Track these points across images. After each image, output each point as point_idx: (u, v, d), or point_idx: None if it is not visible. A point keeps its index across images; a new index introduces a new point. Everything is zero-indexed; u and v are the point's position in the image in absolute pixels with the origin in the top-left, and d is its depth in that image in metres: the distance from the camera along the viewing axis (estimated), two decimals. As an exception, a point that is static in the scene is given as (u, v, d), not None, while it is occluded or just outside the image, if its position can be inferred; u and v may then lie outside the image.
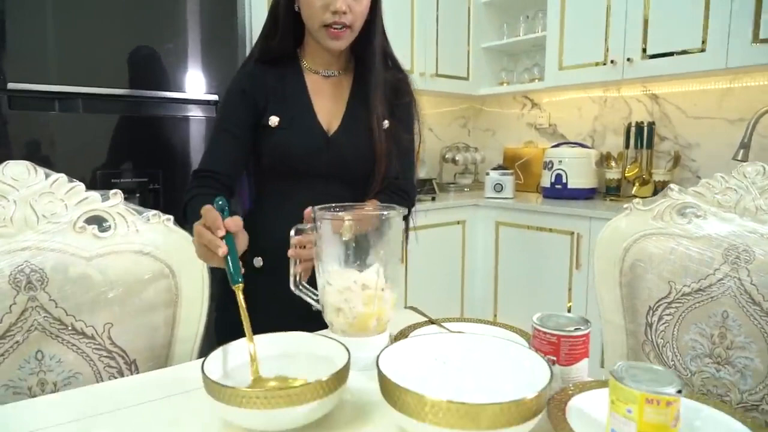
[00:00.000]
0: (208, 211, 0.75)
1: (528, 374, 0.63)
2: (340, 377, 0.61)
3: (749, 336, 0.95)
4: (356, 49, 1.15)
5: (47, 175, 0.87)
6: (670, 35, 2.20)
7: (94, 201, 0.91)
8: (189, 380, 0.75)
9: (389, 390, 0.57)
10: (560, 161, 2.63)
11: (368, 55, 1.11)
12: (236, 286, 0.72)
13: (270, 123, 1.09)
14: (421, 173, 2.93)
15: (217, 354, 0.69)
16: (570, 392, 0.65)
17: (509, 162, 3.10)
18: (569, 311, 2.38)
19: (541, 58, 2.82)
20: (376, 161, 1.11)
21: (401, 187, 1.17)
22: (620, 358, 1.12)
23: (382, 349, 0.65)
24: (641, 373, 0.58)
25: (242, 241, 0.79)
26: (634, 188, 2.53)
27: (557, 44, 2.60)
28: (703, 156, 2.45)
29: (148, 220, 0.95)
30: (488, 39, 3.05)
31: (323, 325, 0.84)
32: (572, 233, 2.33)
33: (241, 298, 0.71)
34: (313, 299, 0.85)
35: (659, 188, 2.44)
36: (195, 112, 1.92)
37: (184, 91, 1.88)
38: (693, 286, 1.02)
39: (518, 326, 0.91)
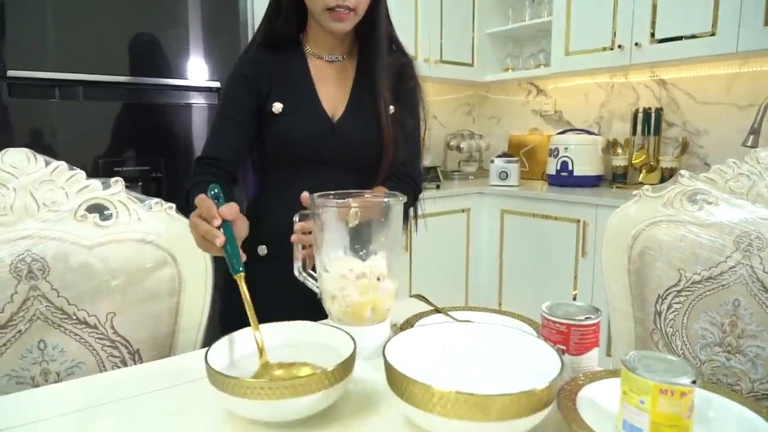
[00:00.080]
0: (203, 201, 0.73)
1: (537, 364, 0.62)
2: (345, 367, 0.60)
3: (761, 324, 0.94)
4: (360, 33, 1.13)
5: (47, 163, 0.86)
6: (679, 19, 2.16)
7: (95, 189, 0.90)
8: (193, 370, 0.74)
9: (396, 380, 0.55)
10: (566, 148, 2.60)
11: (373, 39, 1.09)
12: (237, 275, 0.71)
13: (273, 109, 1.07)
14: (426, 161, 2.90)
15: (221, 343, 0.68)
16: (580, 382, 0.64)
17: (514, 149, 3.07)
18: (575, 299, 2.37)
19: (546, 44, 2.78)
20: (384, 147, 1.09)
21: (408, 174, 1.15)
22: (628, 347, 1.11)
23: (389, 339, 0.64)
24: (654, 362, 0.56)
25: (242, 228, 0.77)
26: (641, 175, 2.50)
27: (563, 29, 2.56)
28: (712, 142, 2.42)
29: (150, 208, 0.93)
30: (493, 24, 3.01)
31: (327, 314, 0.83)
32: (578, 221, 2.31)
33: (243, 287, 0.70)
34: (315, 286, 0.84)
35: (666, 175, 2.41)
36: (197, 100, 1.90)
37: (186, 78, 1.86)
38: (704, 274, 1.00)
39: (524, 314, 0.90)
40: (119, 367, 0.89)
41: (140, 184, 1.76)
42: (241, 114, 1.07)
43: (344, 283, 0.77)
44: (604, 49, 2.42)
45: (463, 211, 2.67)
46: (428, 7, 2.71)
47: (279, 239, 1.03)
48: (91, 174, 0.89)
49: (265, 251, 1.10)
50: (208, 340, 0.98)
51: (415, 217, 1.22)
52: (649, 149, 2.51)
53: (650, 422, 0.53)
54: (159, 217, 0.93)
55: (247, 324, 0.69)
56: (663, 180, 2.40)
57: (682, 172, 1.07)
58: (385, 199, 0.78)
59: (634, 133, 2.57)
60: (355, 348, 0.63)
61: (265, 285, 1.07)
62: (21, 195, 0.84)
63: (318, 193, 0.80)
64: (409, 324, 0.86)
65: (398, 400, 0.56)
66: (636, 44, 2.29)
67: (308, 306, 0.85)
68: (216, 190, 0.77)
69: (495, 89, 3.35)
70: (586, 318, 0.67)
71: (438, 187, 2.68)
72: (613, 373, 0.66)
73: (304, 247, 0.87)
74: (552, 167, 2.66)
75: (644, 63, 2.33)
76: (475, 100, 3.43)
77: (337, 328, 0.71)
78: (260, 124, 1.09)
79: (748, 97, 2.29)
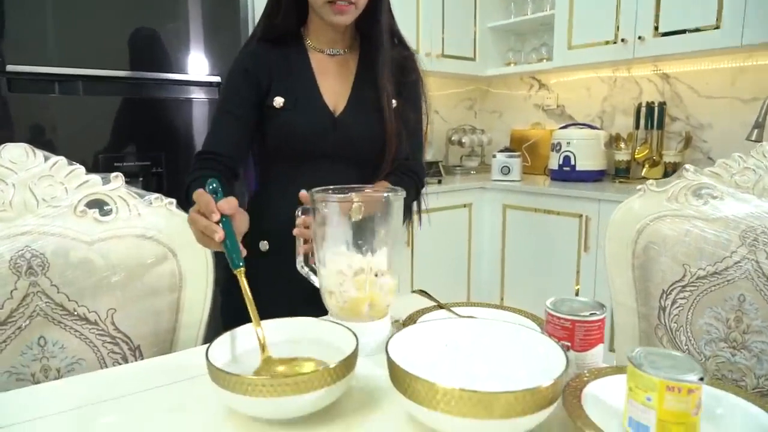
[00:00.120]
0: (200, 196, 0.72)
1: (542, 360, 0.61)
2: (348, 364, 0.59)
3: (767, 320, 0.93)
4: (362, 26, 1.12)
5: (46, 158, 0.85)
6: (683, 12, 2.14)
7: (95, 184, 0.89)
8: (194, 366, 0.74)
9: (399, 377, 0.55)
10: (568, 143, 2.58)
11: (375, 32, 1.08)
12: (237, 270, 0.70)
13: (275, 104, 1.06)
14: (428, 156, 2.89)
15: (223, 339, 0.68)
16: (585, 379, 0.63)
17: (516, 144, 3.06)
18: (577, 294, 2.36)
19: (549, 38, 2.77)
20: (387, 141, 1.08)
21: (411, 168, 1.15)
22: (631, 342, 1.10)
23: (391, 335, 0.63)
24: (660, 359, 0.55)
25: (241, 222, 0.76)
26: (644, 170, 2.49)
27: (566, 23, 2.54)
28: (715, 137, 2.40)
29: (150, 203, 0.93)
30: (495, 18, 2.99)
31: (328, 310, 0.82)
32: (580, 216, 2.30)
33: (243, 282, 0.69)
34: (317, 281, 0.83)
35: (670, 170, 2.40)
36: (197, 94, 1.89)
37: (186, 73, 1.85)
38: (708, 269, 0.99)
39: (526, 310, 0.89)
40: (120, 364, 0.88)
41: (141, 179, 1.75)
42: (241, 108, 1.06)
43: (341, 279, 0.76)
44: (607, 42, 2.40)
45: (464, 206, 2.66)
46: (430, 0, 2.69)
47: (280, 234, 1.02)
48: (92, 169, 0.88)
49: (267, 246, 1.09)
50: (210, 336, 0.98)
51: (419, 211, 1.21)
52: (652, 144, 2.50)
53: (657, 419, 0.53)
54: (159, 213, 0.92)
55: (249, 319, 0.69)
56: (666, 175, 2.39)
57: (687, 166, 1.06)
58: (385, 194, 0.77)
59: (637, 127, 2.55)
60: (357, 345, 0.62)
61: (266, 280, 1.07)
62: (20, 190, 0.83)
63: (317, 188, 0.79)
64: (411, 320, 0.85)
65: (401, 397, 0.55)
66: (639, 38, 2.27)
67: (310, 301, 0.85)
68: (214, 185, 0.76)
69: (497, 83, 3.33)
70: (591, 314, 0.67)
71: (440, 182, 2.67)
72: (619, 370, 0.66)
73: (306, 241, 0.86)
74: (554, 162, 2.64)
75: (648, 57, 2.31)
76: (477, 94, 3.41)
77: (338, 324, 0.70)
78: (261, 118, 1.08)
79: (752, 91, 2.27)
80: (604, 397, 0.61)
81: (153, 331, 0.91)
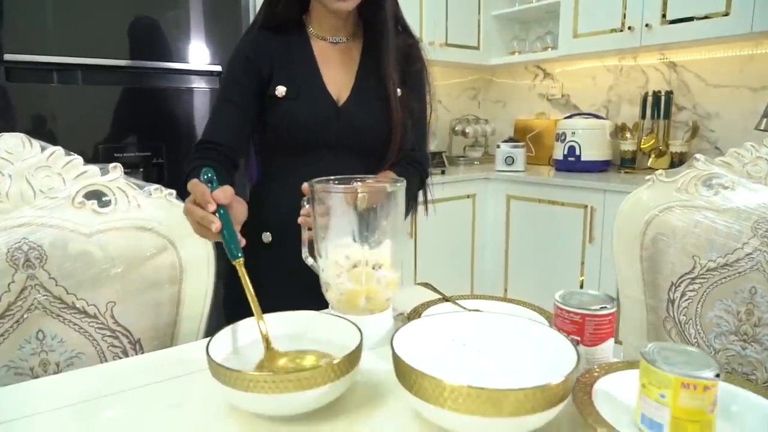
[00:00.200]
0: (195, 186, 0.70)
1: (551, 356, 0.60)
2: (352, 359, 0.58)
3: (779, 313, 0.91)
4: (365, 13, 1.09)
5: (43, 148, 0.83)
6: (691, -1, 2.10)
7: (94, 175, 0.87)
8: (195, 361, 0.72)
9: (405, 373, 0.53)
10: (573, 133, 2.56)
11: (379, 19, 1.05)
12: (236, 261, 0.68)
13: (277, 93, 1.04)
14: (431, 146, 2.86)
15: (224, 333, 0.66)
16: (596, 374, 0.62)
17: (520, 134, 3.03)
18: (581, 286, 2.35)
19: (554, 26, 2.73)
20: (392, 131, 1.06)
21: (415, 159, 1.13)
22: (639, 335, 1.08)
23: (397, 329, 0.62)
24: (674, 355, 0.54)
25: (239, 212, 0.74)
26: (650, 160, 2.46)
27: (572, 10, 2.50)
28: (723, 126, 2.37)
29: (150, 194, 0.91)
30: (499, 6, 2.95)
31: (333, 302, 0.81)
32: (585, 206, 2.28)
33: (243, 273, 0.68)
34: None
35: (676, 160, 2.37)
36: (198, 84, 1.87)
37: (187, 62, 1.83)
38: (719, 260, 0.97)
39: (530, 301, 0.87)
40: (120, 358, 0.87)
41: (141, 170, 1.74)
42: (242, 97, 1.03)
43: (338, 270, 0.75)
44: (613, 30, 2.37)
45: (468, 196, 2.64)
46: (433, -12, 2.66)
47: (283, 225, 1.01)
48: (92, 160, 0.87)
49: (270, 238, 1.07)
50: (212, 328, 0.97)
51: (425, 201, 1.19)
52: (658, 133, 2.47)
53: (671, 417, 0.51)
54: (159, 204, 0.91)
55: (252, 311, 0.67)
56: (673, 165, 2.36)
57: (697, 156, 1.03)
58: (387, 186, 0.75)
59: (643, 117, 2.52)
60: (361, 339, 0.61)
61: (269, 272, 1.05)
62: (17, 181, 0.81)
63: (317, 179, 0.77)
64: (416, 313, 0.83)
65: (407, 393, 0.53)
66: (646, 25, 2.23)
67: (313, 293, 0.83)
68: (209, 174, 0.74)
69: (501, 73, 3.29)
70: (602, 307, 0.65)
71: (443, 172, 2.65)
72: (630, 365, 0.64)
73: (310, 230, 0.84)
74: (559, 152, 2.62)
75: (655, 45, 2.28)
76: (481, 84, 3.38)
77: (341, 317, 0.69)
78: (262, 107, 1.06)
79: (761, 80, 2.24)
80: (615, 393, 0.60)
81: (153, 324, 0.90)
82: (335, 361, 0.55)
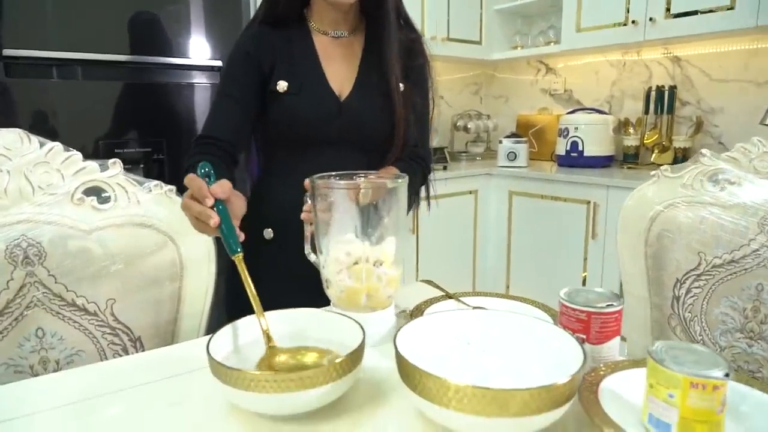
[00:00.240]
0: (192, 180, 0.69)
1: (556, 354, 0.59)
2: (354, 358, 0.57)
3: (786, 310, 0.90)
4: (367, 7, 1.08)
5: (41, 144, 0.83)
6: (696, -8, 2.08)
7: (93, 171, 0.86)
8: (195, 359, 0.71)
9: (409, 373, 0.52)
10: (576, 128, 2.54)
11: (381, 12, 1.04)
12: (235, 256, 0.67)
13: (278, 88, 1.02)
14: (433, 142, 2.85)
15: (225, 331, 0.66)
16: (602, 373, 0.61)
17: (523, 129, 3.01)
18: (584, 282, 2.34)
19: (557, 20, 2.71)
20: (396, 126, 1.05)
21: (418, 154, 1.11)
22: (644, 333, 1.07)
23: (399, 327, 0.61)
24: (682, 354, 0.53)
25: (238, 206, 0.73)
26: (653, 155, 2.45)
27: (575, 4, 2.48)
28: (727, 121, 2.35)
29: (150, 190, 0.90)
30: (502, 0, 2.93)
31: (335, 299, 0.80)
32: (588, 202, 2.27)
33: (242, 268, 0.67)
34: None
35: (680, 155, 2.35)
36: (199, 79, 1.86)
37: (188, 57, 1.82)
38: (725, 257, 0.96)
39: (532, 298, 0.86)
40: (120, 355, 0.86)
41: (142, 165, 1.73)
42: (242, 92, 1.02)
43: (338, 267, 0.74)
44: (617, 24, 2.35)
45: (470, 192, 2.63)
46: (435, -18, 2.64)
47: (285, 222, 1.00)
48: (92, 156, 0.86)
49: (272, 234, 1.06)
50: (213, 324, 0.96)
51: (427, 197, 1.18)
52: (661, 129, 2.45)
53: (679, 417, 0.50)
54: (159, 200, 0.90)
55: (253, 307, 0.66)
56: (676, 160, 2.34)
57: (704, 151, 1.02)
58: (389, 182, 0.74)
59: (646, 112, 2.50)
60: (364, 337, 0.60)
61: (271, 269, 1.05)
62: (15, 177, 0.80)
63: (317, 175, 0.76)
64: (419, 310, 0.83)
65: (411, 393, 0.53)
66: (650, 19, 2.21)
67: (315, 290, 0.82)
68: (206, 168, 0.73)
69: (503, 68, 3.28)
70: (608, 305, 0.64)
71: (445, 168, 2.63)
72: (636, 363, 0.63)
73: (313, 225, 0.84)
74: (561, 147, 2.60)
75: (658, 39, 2.26)
76: (483, 79, 3.36)
77: (343, 315, 0.68)
78: (263, 103, 1.05)
79: (766, 74, 2.22)
80: (621, 392, 0.59)
81: (154, 321, 0.89)
82: (338, 360, 0.54)
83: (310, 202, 0.81)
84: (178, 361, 0.73)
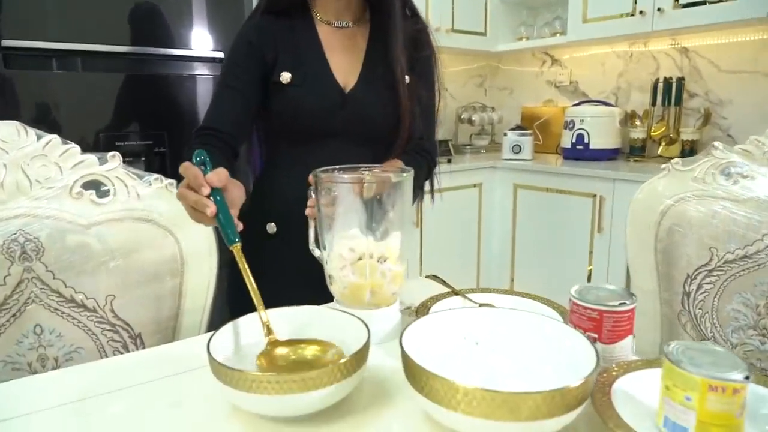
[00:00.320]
0: (187, 169, 0.67)
1: (568, 354, 0.57)
2: (359, 358, 0.55)
3: (800, 307, 0.88)
4: (370, -3, 1.06)
5: (39, 137, 0.81)
6: (705, -18, 2.04)
7: (92, 164, 0.85)
8: (196, 357, 0.70)
9: (415, 374, 0.50)
10: (582, 120, 2.51)
11: (386, 2, 1.01)
12: (233, 246, 0.65)
13: (281, 79, 1.00)
14: (437, 134, 2.82)
15: (226, 329, 0.64)
16: (614, 373, 0.59)
17: (528, 122, 2.98)
18: (589, 276, 2.32)
19: (563, 11, 2.67)
20: (401, 118, 1.03)
21: (424, 147, 1.09)
22: (653, 329, 1.06)
23: (406, 325, 0.59)
24: (700, 355, 0.51)
25: (236, 195, 0.71)
26: (661, 148, 2.41)
27: (581, -5, 2.44)
28: (736, 113, 2.32)
29: (150, 184, 0.88)
30: (507, -9, 2.89)
31: (339, 296, 0.78)
32: (594, 196, 2.24)
33: (241, 258, 0.65)
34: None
35: (687, 148, 2.32)
36: (201, 71, 1.83)
37: (190, 48, 1.79)
38: (738, 252, 0.94)
39: (537, 292, 0.85)
40: (120, 352, 0.85)
41: (143, 159, 1.71)
42: (244, 83, 1.00)
43: (341, 263, 0.73)
44: (624, 15, 2.31)
45: (474, 186, 2.60)
46: (439, -28, 2.60)
47: (288, 215, 0.98)
48: (92, 149, 0.84)
49: (275, 229, 1.05)
50: (215, 318, 0.95)
51: (431, 190, 1.16)
52: (669, 121, 2.42)
53: (697, 421, 0.48)
54: (159, 194, 0.88)
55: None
56: (684, 153, 2.31)
57: (716, 143, 1.00)
58: (393, 176, 0.72)
59: (653, 104, 2.47)
60: (369, 337, 0.58)
61: (275, 264, 1.03)
62: (12, 171, 0.79)
63: (321, 168, 0.74)
64: (425, 307, 0.81)
65: (417, 395, 0.51)
66: (658, 9, 2.17)
67: (319, 285, 0.80)
68: (202, 157, 0.71)
69: (508, 59, 3.24)
70: (621, 303, 0.62)
71: (449, 161, 2.61)
72: (650, 363, 0.61)
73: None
74: (567, 140, 2.57)
75: (666, 30, 2.22)
76: (487, 71, 3.32)
77: (347, 313, 0.66)
78: (266, 94, 1.03)
79: (776, 65, 2.19)
80: (635, 393, 0.57)
81: (154, 318, 0.88)
82: (342, 361, 0.53)
83: (314, 196, 0.79)
84: (178, 359, 0.71)
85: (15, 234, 0.77)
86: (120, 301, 0.84)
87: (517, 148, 2.64)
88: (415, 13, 1.09)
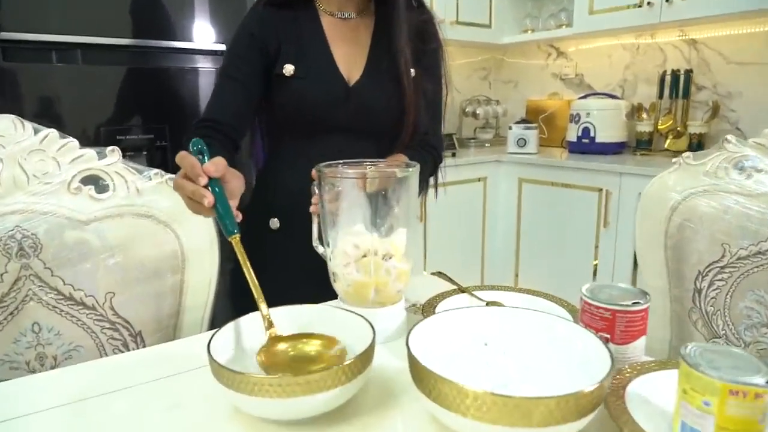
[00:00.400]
0: (184, 158, 0.65)
1: (580, 355, 0.55)
2: (364, 359, 0.53)
3: (815, 305, 0.86)
4: (373, -14, 1.03)
5: (36, 131, 0.79)
6: (714, -28, 2.01)
7: (90, 159, 0.83)
8: (197, 356, 0.68)
9: (423, 377, 0.49)
10: (588, 114, 2.48)
11: (390, -8, 0.99)
12: (232, 237, 0.64)
13: (284, 72, 0.98)
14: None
15: (227, 329, 0.62)
16: (627, 375, 0.57)
17: (532, 115, 2.95)
18: (595, 271, 2.29)
19: (569, 2, 2.63)
20: (405, 112, 1.00)
21: (429, 142, 1.07)
22: (663, 326, 1.04)
23: (412, 327, 0.57)
24: (719, 357, 0.49)
25: (234, 185, 0.69)
26: (667, 142, 2.38)
27: (588, -15, 2.40)
28: (745, 106, 2.28)
29: (150, 179, 0.86)
30: (512, -18, 2.85)
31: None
32: (600, 190, 2.22)
33: (240, 250, 0.63)
34: None
35: (695, 141, 2.29)
36: (203, 63, 1.81)
37: (191, 41, 1.77)
38: (751, 248, 0.92)
39: (542, 287, 0.83)
40: (120, 351, 0.84)
41: (144, 153, 1.69)
42: (245, 75, 0.98)
43: (346, 260, 0.71)
44: (631, 6, 2.27)
45: (479, 180, 2.58)
46: (444, -37, 2.56)
47: (291, 210, 0.97)
48: (93, 143, 0.82)
49: (278, 224, 1.03)
50: (219, 314, 0.93)
51: (435, 185, 1.14)
52: (676, 114, 2.38)
53: (716, 426, 0.46)
54: (159, 189, 0.86)
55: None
56: (691, 146, 2.28)
57: (728, 137, 0.97)
58: (398, 171, 0.70)
59: (660, 96, 2.44)
60: (374, 337, 0.56)
61: (278, 259, 1.02)
62: (9, 166, 0.77)
63: (324, 163, 0.72)
64: (430, 305, 0.79)
65: (425, 399, 0.49)
66: (666, 0, 2.14)
67: (323, 282, 0.79)
68: (199, 146, 0.69)
69: (512, 52, 3.20)
70: (634, 303, 0.60)
71: (453, 155, 2.58)
72: (664, 365, 0.59)
73: None
74: (573, 134, 2.54)
75: (675, 21, 2.18)
76: (492, 63, 3.29)
77: (352, 312, 0.64)
78: (268, 87, 1.00)
79: (786, 57, 2.15)
80: (649, 396, 0.55)
81: (155, 315, 0.86)
82: (346, 362, 0.51)
83: (317, 191, 0.77)
84: (179, 359, 0.70)
85: (12, 230, 0.76)
86: (120, 299, 0.83)
87: (522, 142, 2.61)
88: (421, 4, 1.06)
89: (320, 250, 0.79)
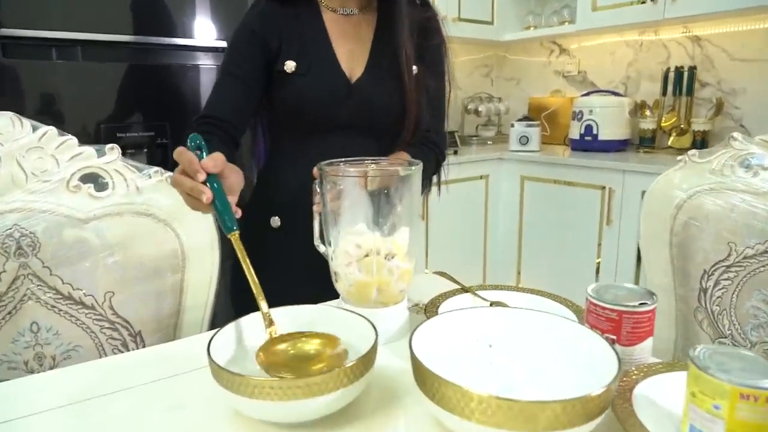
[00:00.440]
0: (182, 154, 0.64)
1: (586, 357, 0.54)
2: (366, 361, 0.52)
3: (823, 305, 0.85)
4: (376, -18, 1.02)
5: (34, 128, 0.78)
6: (719, -33, 1.99)
7: (89, 157, 0.82)
8: (197, 357, 0.67)
9: (426, 380, 0.48)
10: (590, 111, 2.46)
11: (392, -12, 0.98)
12: (231, 234, 0.63)
13: (286, 68, 0.97)
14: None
15: (227, 330, 0.61)
16: (634, 377, 0.56)
17: (535, 113, 2.93)
18: (598, 269, 2.28)
19: (572, -1, 2.62)
20: (407, 109, 0.99)
21: (431, 140, 1.06)
22: (668, 326, 1.03)
23: (415, 328, 0.56)
24: (728, 360, 0.48)
25: (233, 181, 0.68)
26: (671, 139, 2.37)
27: (591, -18, 2.39)
28: (749, 103, 2.26)
29: (150, 177, 0.86)
30: (514, -22, 2.84)
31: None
32: (603, 188, 2.20)
33: (239, 247, 0.62)
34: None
35: (698, 138, 2.27)
36: (204, 61, 1.80)
37: (192, 38, 1.76)
38: (758, 247, 0.91)
39: (544, 285, 0.82)
40: (120, 350, 0.83)
41: (145, 150, 1.68)
42: (246, 71, 0.97)
43: (347, 260, 0.70)
44: (634, 2, 2.25)
45: (481, 177, 2.57)
46: (446, -41, 2.55)
47: (292, 208, 0.96)
48: (93, 141, 0.81)
49: (279, 222, 1.02)
50: (219, 313, 0.92)
51: (438, 183, 1.13)
52: (679, 111, 2.37)
53: (726, 430, 0.45)
54: (159, 187, 0.85)
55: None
56: (695, 144, 2.27)
57: (735, 134, 0.96)
58: (401, 169, 0.69)
59: (664, 93, 2.42)
60: (376, 338, 0.55)
61: (278, 258, 1.01)
62: (6, 163, 0.76)
63: (325, 162, 0.71)
64: (433, 305, 0.78)
65: (428, 402, 0.48)
66: (671, -4, 2.12)
67: (325, 281, 0.78)
68: (198, 141, 0.68)
69: (515, 49, 3.19)
70: (641, 303, 0.59)
71: (455, 152, 2.57)
72: (671, 366, 0.58)
73: None
74: (575, 131, 2.53)
75: (679, 17, 2.17)
76: (494, 60, 3.27)
77: (354, 312, 0.63)
78: (269, 83, 0.99)
79: (791, 54, 2.13)
80: (656, 399, 0.54)
81: (155, 315, 0.85)
82: (348, 364, 0.50)
83: (318, 190, 0.76)
84: (179, 359, 0.69)
85: (10, 229, 0.75)
86: (119, 298, 0.82)
87: (524, 140, 2.60)
88: (424, 2, 1.05)
89: (321, 249, 0.78)
